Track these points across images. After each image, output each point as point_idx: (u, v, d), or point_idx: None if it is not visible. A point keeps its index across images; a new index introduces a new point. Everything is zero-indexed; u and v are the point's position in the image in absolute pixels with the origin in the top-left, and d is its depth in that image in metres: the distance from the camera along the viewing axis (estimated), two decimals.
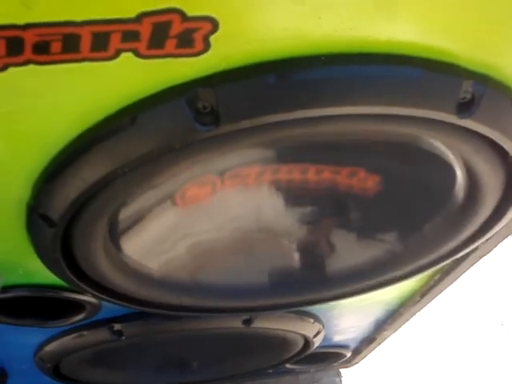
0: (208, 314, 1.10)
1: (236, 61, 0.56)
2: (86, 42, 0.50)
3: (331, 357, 1.81)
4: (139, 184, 0.68)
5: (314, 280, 1.04)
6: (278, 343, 1.49)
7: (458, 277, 1.18)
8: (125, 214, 0.78)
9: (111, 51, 0.51)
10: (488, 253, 1.06)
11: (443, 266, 1.07)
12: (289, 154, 0.75)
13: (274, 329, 1.33)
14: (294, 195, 0.84)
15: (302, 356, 1.60)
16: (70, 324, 1.15)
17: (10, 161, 0.65)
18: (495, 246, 1.02)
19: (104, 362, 1.47)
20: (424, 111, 0.62)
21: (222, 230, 0.89)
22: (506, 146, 0.69)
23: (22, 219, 0.75)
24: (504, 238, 0.99)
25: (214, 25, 0.51)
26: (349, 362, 1.93)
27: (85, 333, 1.20)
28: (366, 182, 0.80)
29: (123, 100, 0.58)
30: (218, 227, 0.89)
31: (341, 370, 2.18)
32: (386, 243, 0.98)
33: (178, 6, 0.49)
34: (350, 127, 0.66)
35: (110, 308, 1.05)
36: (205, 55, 0.54)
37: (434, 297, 1.31)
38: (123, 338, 1.19)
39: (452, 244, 0.94)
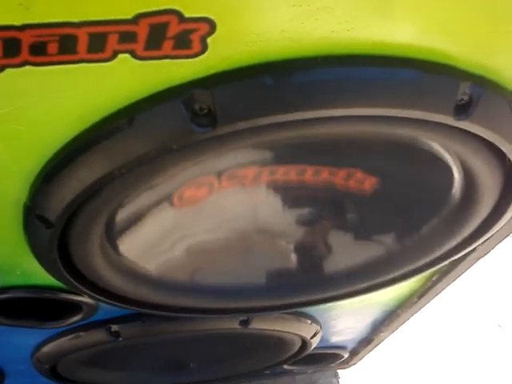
0: (205, 314, 1.09)
1: (233, 62, 0.56)
2: (82, 43, 0.50)
3: (329, 358, 1.80)
4: (136, 185, 0.68)
5: (312, 281, 1.04)
6: (276, 344, 1.49)
7: (456, 278, 1.18)
8: (122, 214, 0.78)
9: (108, 52, 0.51)
10: (486, 254, 1.06)
11: (441, 268, 1.07)
12: (286, 154, 0.75)
13: (272, 330, 1.33)
14: (291, 196, 0.84)
15: (300, 357, 1.60)
16: (67, 325, 1.14)
17: (7, 161, 0.65)
18: (493, 247, 1.02)
19: (101, 362, 1.47)
20: (422, 113, 0.62)
21: (220, 231, 0.89)
22: (504, 147, 0.69)
23: (19, 220, 0.75)
24: (502, 240, 0.99)
25: (212, 26, 0.51)
26: (346, 363, 1.93)
27: (82, 334, 1.20)
28: (363, 182, 0.80)
29: (120, 101, 0.58)
30: (216, 228, 0.88)
31: (338, 370, 2.18)
32: (384, 244, 0.98)
33: (175, 6, 0.49)
34: (347, 129, 0.66)
35: (107, 309, 1.05)
36: (202, 56, 0.54)
37: (432, 298, 1.31)
38: (120, 339, 1.19)
39: (449, 245, 0.94)
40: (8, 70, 0.51)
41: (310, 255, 1.01)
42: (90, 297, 0.96)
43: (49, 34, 0.48)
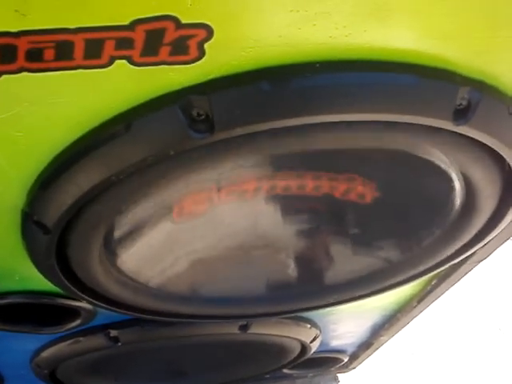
0: (205, 320, 1.09)
1: (230, 68, 0.55)
2: (79, 50, 0.50)
3: (328, 362, 1.80)
4: (134, 191, 0.68)
5: (312, 287, 1.04)
6: (275, 349, 1.49)
7: (456, 282, 1.18)
8: (121, 222, 0.77)
9: (105, 59, 0.51)
10: (485, 258, 1.05)
11: (440, 272, 1.07)
12: (285, 162, 0.74)
13: (271, 334, 1.33)
14: (291, 205, 0.83)
15: (300, 361, 1.60)
16: (66, 330, 1.14)
17: (4, 167, 0.65)
18: (492, 251, 1.02)
19: (100, 367, 1.46)
20: (420, 118, 0.61)
21: (220, 240, 0.89)
22: (502, 152, 0.69)
23: (17, 226, 0.75)
24: (501, 244, 0.99)
25: (209, 32, 0.51)
26: (346, 367, 1.93)
27: (81, 339, 1.20)
28: (362, 190, 0.80)
29: (117, 107, 0.58)
30: (216, 237, 0.88)
31: (338, 374, 2.17)
32: (383, 250, 0.97)
33: (172, 13, 0.48)
34: (346, 135, 0.65)
35: (105, 314, 1.05)
36: (199, 62, 0.53)
37: (431, 302, 1.31)
38: (120, 344, 1.18)
39: (449, 250, 0.94)
40: (4, 77, 0.51)
41: (311, 261, 1.00)
42: (88, 302, 0.95)
43: (45, 41, 0.48)
